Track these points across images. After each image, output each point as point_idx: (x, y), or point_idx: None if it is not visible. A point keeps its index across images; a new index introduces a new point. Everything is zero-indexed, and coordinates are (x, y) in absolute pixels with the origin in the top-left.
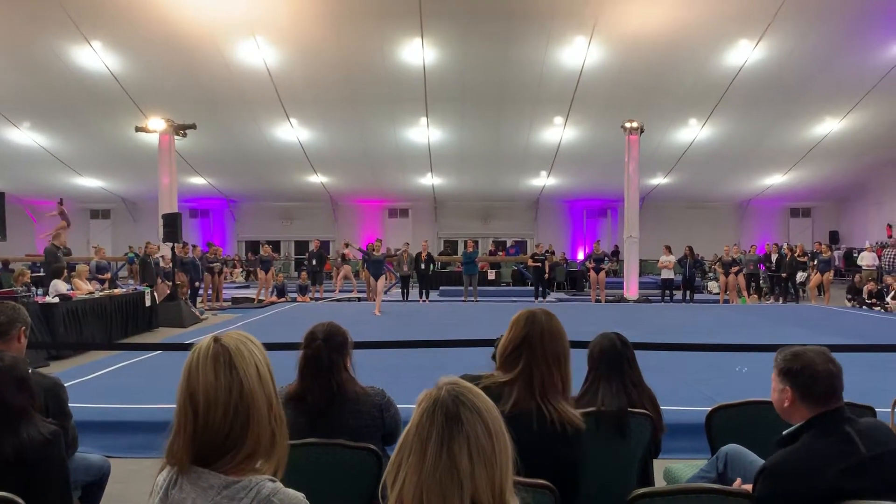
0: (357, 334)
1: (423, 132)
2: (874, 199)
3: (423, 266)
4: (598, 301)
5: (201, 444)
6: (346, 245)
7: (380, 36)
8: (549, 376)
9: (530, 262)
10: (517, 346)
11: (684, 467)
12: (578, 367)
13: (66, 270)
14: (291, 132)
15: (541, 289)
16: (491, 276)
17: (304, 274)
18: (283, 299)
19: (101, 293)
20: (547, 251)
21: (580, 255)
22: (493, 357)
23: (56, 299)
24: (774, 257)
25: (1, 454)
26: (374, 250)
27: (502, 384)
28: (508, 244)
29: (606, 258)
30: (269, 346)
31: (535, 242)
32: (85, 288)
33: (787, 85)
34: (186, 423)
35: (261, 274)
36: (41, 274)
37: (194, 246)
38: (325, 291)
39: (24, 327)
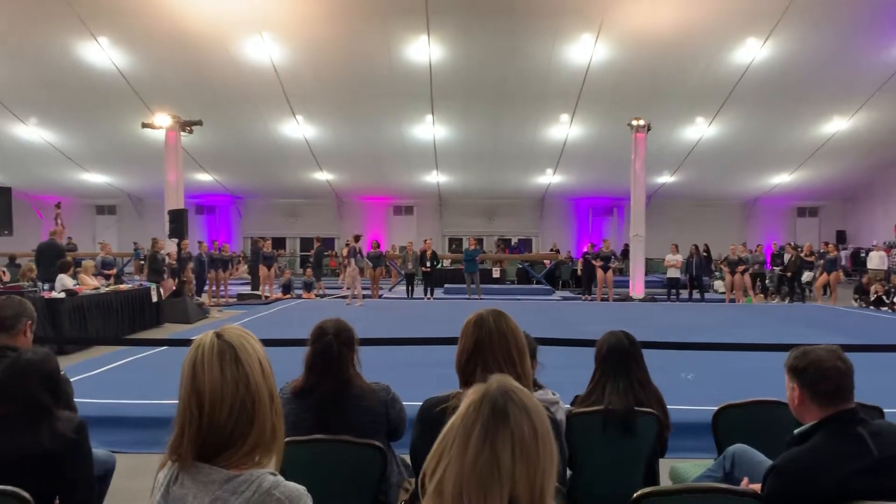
0: (362, 331)
1: (429, 129)
2: (881, 199)
3: (427, 264)
4: (604, 300)
5: (205, 440)
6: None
7: (386, 33)
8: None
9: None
10: (470, 354)
11: (691, 466)
12: (587, 364)
13: (73, 266)
14: (297, 129)
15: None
16: (495, 273)
17: (308, 271)
18: (288, 296)
19: (106, 289)
20: (552, 249)
21: None
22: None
23: (62, 294)
24: (787, 257)
25: (25, 450)
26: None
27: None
28: (513, 242)
29: (613, 257)
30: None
31: (539, 241)
32: (91, 283)
33: (795, 83)
34: (192, 421)
35: (263, 270)
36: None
37: (200, 242)
38: (328, 288)
39: (30, 322)
